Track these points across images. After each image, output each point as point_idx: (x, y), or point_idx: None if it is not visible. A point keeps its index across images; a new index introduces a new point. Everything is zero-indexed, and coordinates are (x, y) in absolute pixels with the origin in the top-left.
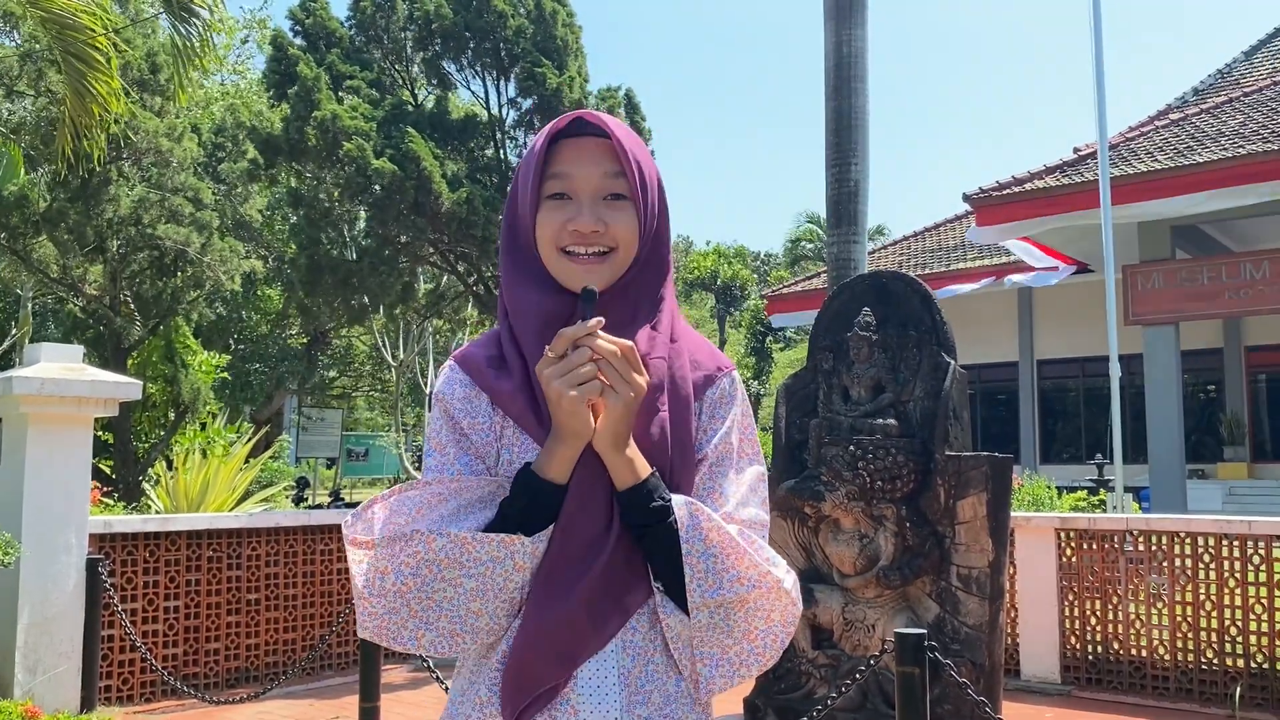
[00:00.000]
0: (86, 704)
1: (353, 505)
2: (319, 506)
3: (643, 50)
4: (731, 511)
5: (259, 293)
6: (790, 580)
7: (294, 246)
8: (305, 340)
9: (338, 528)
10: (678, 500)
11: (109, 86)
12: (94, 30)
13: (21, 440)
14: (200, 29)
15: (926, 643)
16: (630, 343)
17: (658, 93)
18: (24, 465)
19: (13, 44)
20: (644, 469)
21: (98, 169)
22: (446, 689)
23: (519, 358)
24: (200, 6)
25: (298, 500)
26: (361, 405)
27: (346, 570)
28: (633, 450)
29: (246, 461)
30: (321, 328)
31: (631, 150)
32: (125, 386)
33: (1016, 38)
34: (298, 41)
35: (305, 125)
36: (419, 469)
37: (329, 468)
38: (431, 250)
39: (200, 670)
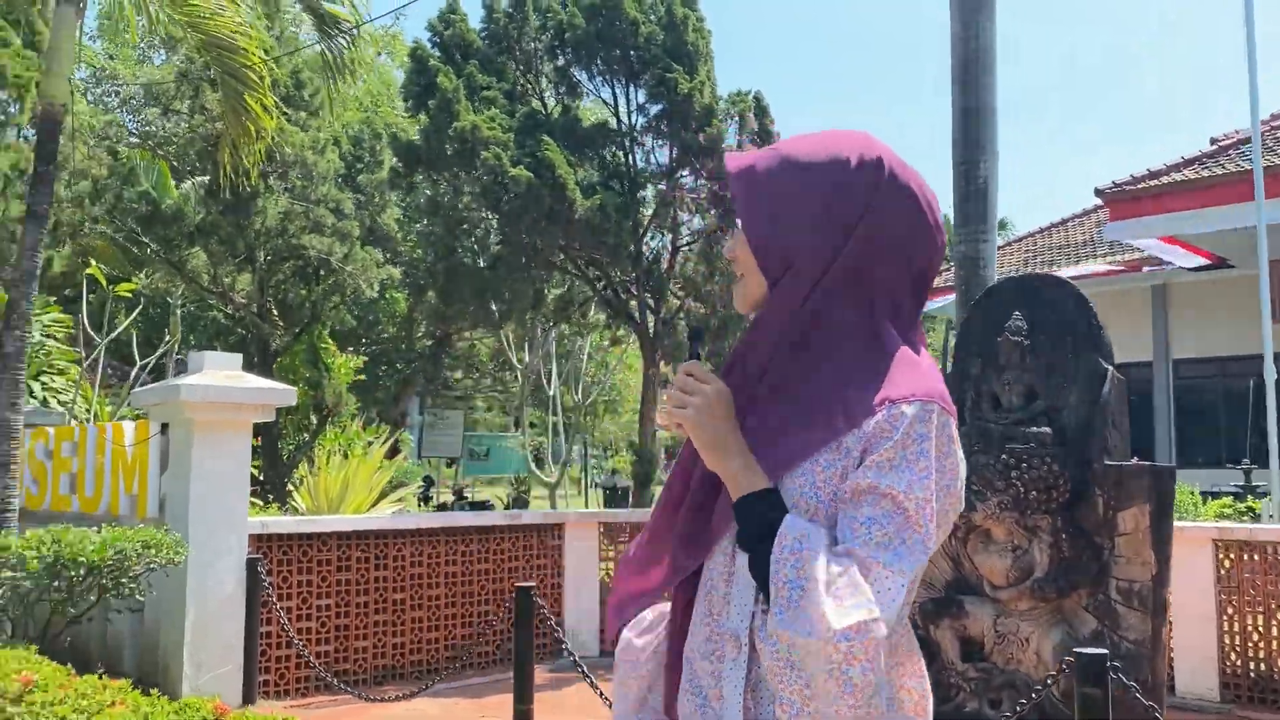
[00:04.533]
0: (247, 699)
1: (477, 504)
2: (445, 505)
3: (763, 49)
4: (851, 548)
5: (388, 296)
6: (860, 640)
7: (421, 253)
8: (430, 343)
9: (476, 530)
10: (791, 521)
11: (263, 104)
12: (249, 51)
13: (188, 445)
14: (346, 42)
15: (1109, 663)
16: (687, 364)
17: (780, 91)
18: (190, 469)
19: (169, 65)
20: (749, 485)
21: (251, 183)
22: (596, 689)
23: None
24: (346, 20)
25: (424, 499)
26: (480, 405)
27: (486, 572)
28: (738, 466)
29: (383, 462)
30: (447, 331)
31: (737, 171)
32: (281, 392)
33: (1147, 27)
34: (435, 53)
35: (445, 135)
36: (541, 469)
37: (449, 466)
38: (562, 256)
39: (350, 667)
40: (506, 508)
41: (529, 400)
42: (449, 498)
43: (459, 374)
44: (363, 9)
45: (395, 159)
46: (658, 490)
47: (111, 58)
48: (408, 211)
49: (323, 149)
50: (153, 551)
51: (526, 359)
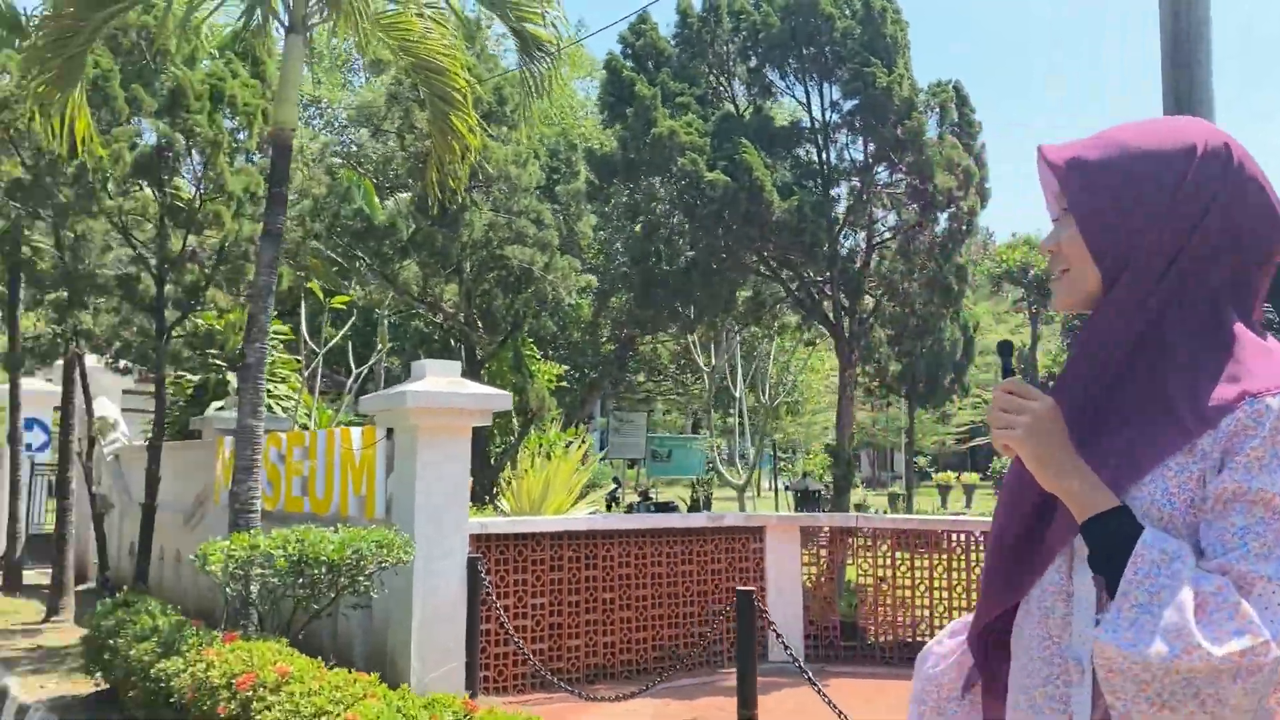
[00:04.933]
0: (470, 693)
1: (662, 505)
2: (632, 506)
3: (964, 38)
4: (1225, 562)
5: (574, 302)
6: (1245, 668)
7: (604, 259)
8: (615, 346)
9: (681, 532)
10: (1150, 539)
11: (467, 123)
12: (455, 73)
13: (412, 449)
14: (547, 63)
15: None
16: (1006, 382)
17: (972, 79)
18: (415, 472)
19: (369, 87)
20: (1094, 503)
21: (459, 198)
22: (825, 697)
23: None
24: (548, 42)
25: (612, 500)
26: (659, 407)
27: (690, 574)
28: (1077, 484)
29: (580, 464)
30: (631, 335)
31: (1065, 161)
32: (498, 397)
33: None
34: (628, 64)
35: (641, 143)
36: (733, 471)
37: (630, 467)
38: (755, 258)
39: (564, 665)
40: (690, 509)
41: (712, 402)
42: (634, 499)
43: (641, 377)
44: (563, 28)
45: (590, 172)
46: (856, 494)
47: (319, 82)
48: (599, 218)
49: (525, 162)
50: (385, 551)
51: (713, 361)
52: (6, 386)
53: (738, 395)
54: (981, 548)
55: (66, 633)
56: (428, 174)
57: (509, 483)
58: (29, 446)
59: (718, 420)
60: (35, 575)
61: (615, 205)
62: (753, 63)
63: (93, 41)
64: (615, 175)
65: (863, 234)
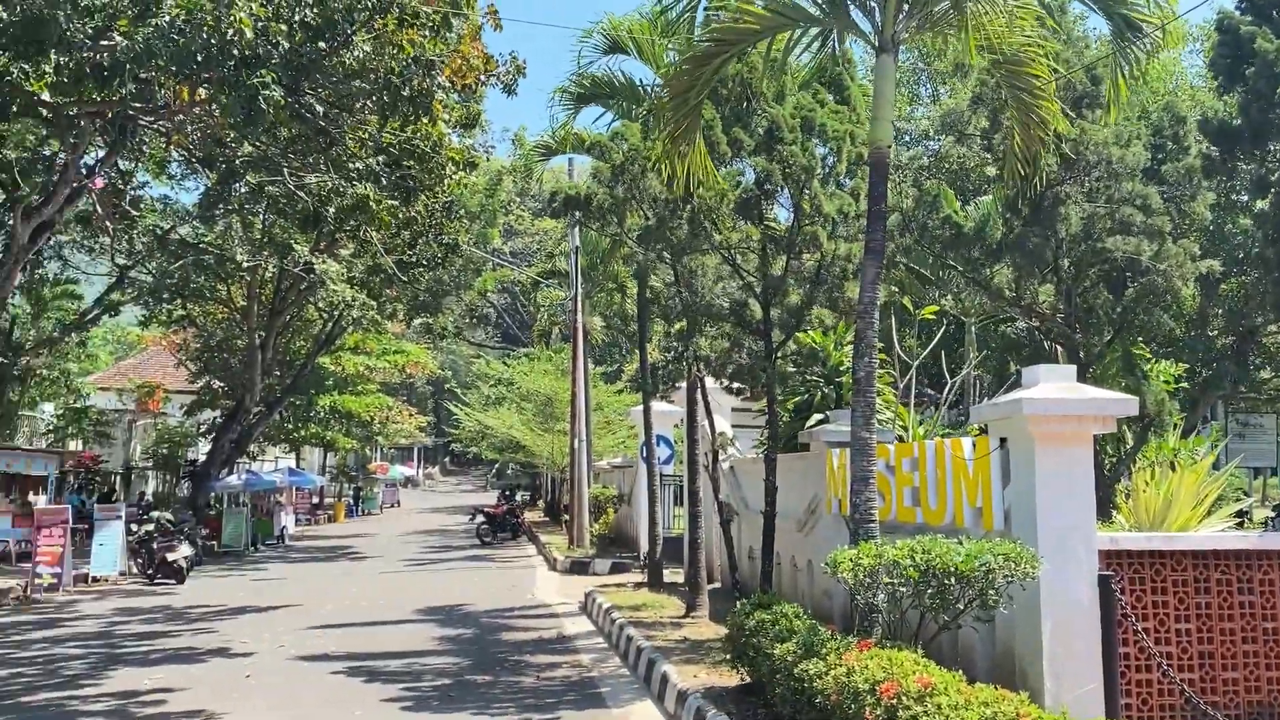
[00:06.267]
0: (1110, 718)
1: None
2: (1267, 523)
3: None
4: None
5: (1190, 293)
6: None
7: (1208, 240)
8: (1231, 339)
9: None
10: None
11: (1049, 110)
12: (1036, 60)
13: (1030, 458)
14: (1145, 44)
15: None
16: None
17: None
18: (1034, 482)
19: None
20: None
21: (1050, 191)
22: None
23: None
24: (1142, 19)
25: (1243, 516)
26: None
27: None
28: None
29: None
30: (1252, 325)
31: None
32: (1121, 403)
33: None
34: (1245, 18)
35: (1269, 104)
36: None
37: (1256, 477)
38: None
39: (1218, 699)
40: None
41: None
42: (1268, 514)
43: (1266, 372)
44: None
45: (1204, 144)
46: None
47: None
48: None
49: (1126, 142)
50: (1011, 564)
51: None
52: (637, 408)
53: None
54: None
55: (704, 628)
56: (1007, 168)
57: (1125, 496)
58: (658, 460)
59: None
60: (668, 574)
61: (1230, 180)
62: None
63: (704, 94)
64: (1236, 145)
65: None
